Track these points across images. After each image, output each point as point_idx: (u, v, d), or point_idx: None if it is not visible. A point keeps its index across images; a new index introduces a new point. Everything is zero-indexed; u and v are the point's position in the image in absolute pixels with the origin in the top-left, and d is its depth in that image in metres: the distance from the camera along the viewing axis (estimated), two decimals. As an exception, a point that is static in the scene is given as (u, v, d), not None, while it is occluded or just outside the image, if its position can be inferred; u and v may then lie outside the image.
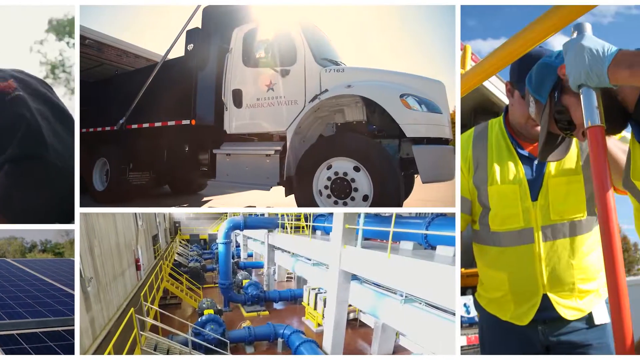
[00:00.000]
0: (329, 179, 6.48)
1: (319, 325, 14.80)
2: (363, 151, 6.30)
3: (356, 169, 6.30)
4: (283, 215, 17.63)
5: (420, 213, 10.43)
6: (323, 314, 14.34)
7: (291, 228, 16.47)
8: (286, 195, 7.26)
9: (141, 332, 8.62)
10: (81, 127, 10.71)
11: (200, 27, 8.56)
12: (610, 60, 1.92)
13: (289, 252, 18.56)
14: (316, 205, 6.65)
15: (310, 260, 15.92)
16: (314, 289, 15.86)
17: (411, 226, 8.29)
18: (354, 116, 7.12)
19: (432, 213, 8.09)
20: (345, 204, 6.41)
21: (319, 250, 12.86)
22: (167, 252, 23.94)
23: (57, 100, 2.12)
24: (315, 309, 15.27)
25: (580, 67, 2.01)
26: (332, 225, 10.57)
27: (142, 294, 10.22)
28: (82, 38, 13.08)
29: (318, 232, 15.05)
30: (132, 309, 8.46)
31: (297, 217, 16.54)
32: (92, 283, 7.89)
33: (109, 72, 14.03)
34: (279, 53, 7.29)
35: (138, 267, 14.42)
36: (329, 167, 6.49)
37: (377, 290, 10.15)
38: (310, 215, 15.20)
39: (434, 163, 6.30)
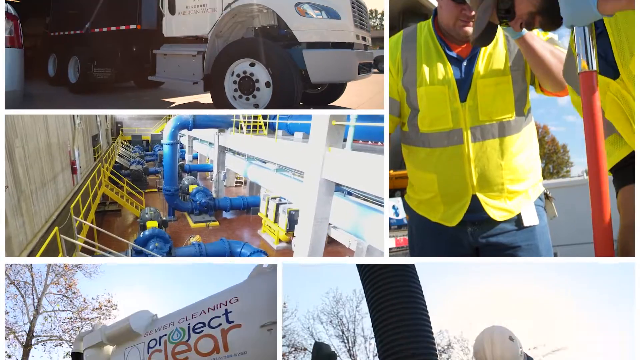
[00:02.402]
0: (234, 82, 7.07)
1: (280, 241, 13.53)
2: (257, 49, 6.92)
3: (252, 64, 6.93)
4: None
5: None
6: (286, 229, 13.03)
7: (247, 127, 14.80)
8: (204, 91, 7.80)
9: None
10: (63, 29, 11.86)
11: None
12: None
13: (243, 155, 17.12)
14: (229, 104, 7.17)
15: (265, 163, 14.74)
16: (274, 198, 14.48)
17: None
18: (267, 21, 7.77)
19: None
20: (254, 97, 7.00)
21: (290, 154, 11.27)
22: (107, 154, 23.02)
23: None
24: (275, 222, 13.88)
25: (571, 5, 2.02)
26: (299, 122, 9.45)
27: (72, 206, 9.71)
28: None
29: (279, 132, 13.41)
30: (55, 228, 7.72)
31: (255, 115, 14.83)
32: (7, 193, 7.28)
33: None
34: None
35: (74, 171, 13.66)
36: (232, 73, 7.12)
37: (362, 204, 8.55)
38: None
39: (323, 65, 6.83)
